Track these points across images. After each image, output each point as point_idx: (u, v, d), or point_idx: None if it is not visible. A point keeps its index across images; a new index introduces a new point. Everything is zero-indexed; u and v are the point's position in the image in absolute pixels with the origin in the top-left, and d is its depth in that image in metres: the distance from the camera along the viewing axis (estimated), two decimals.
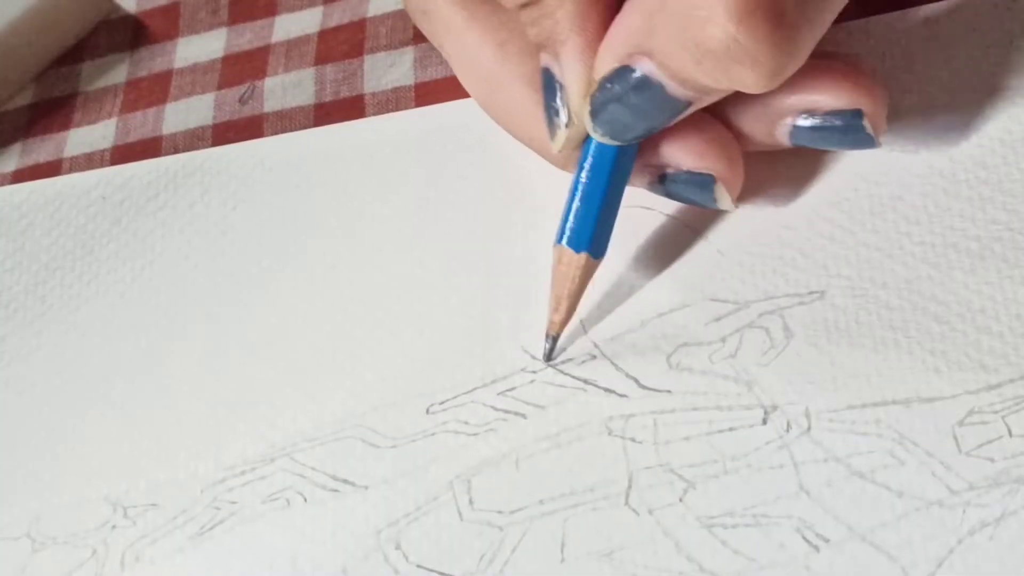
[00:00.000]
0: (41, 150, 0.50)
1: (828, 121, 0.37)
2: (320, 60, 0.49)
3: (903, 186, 0.39)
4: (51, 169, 0.50)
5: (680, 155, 0.38)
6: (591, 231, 0.38)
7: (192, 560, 0.39)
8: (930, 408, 0.36)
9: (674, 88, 0.36)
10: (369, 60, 0.48)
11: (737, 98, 0.37)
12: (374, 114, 0.47)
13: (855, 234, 0.39)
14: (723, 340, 0.39)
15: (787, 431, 0.37)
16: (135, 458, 0.41)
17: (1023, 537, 0.34)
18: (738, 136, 0.39)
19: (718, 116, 0.38)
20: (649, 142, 0.38)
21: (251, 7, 0.52)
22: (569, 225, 0.39)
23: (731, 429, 0.37)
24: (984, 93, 0.40)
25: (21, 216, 0.47)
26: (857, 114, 0.37)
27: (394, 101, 0.47)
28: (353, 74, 0.48)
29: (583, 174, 0.38)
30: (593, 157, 0.38)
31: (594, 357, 0.39)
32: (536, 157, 0.41)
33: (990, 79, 0.40)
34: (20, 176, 0.50)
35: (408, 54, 0.48)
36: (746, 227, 0.40)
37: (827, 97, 0.37)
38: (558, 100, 0.38)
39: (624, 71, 0.36)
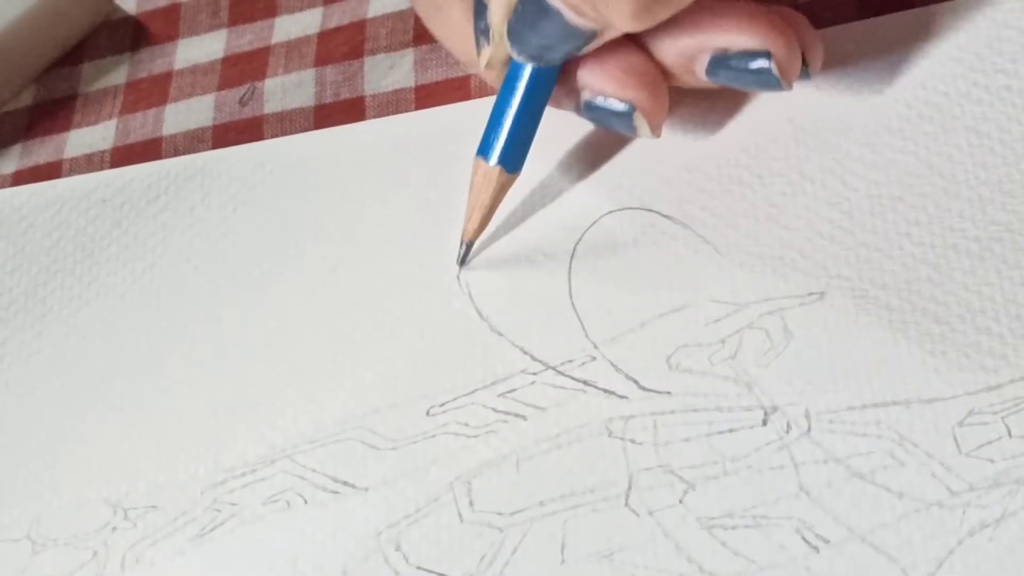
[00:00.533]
0: (41, 151, 0.50)
1: (739, 61, 0.39)
2: (320, 61, 0.49)
3: (903, 187, 0.40)
4: (51, 170, 0.49)
5: (599, 81, 0.40)
6: (506, 147, 0.40)
7: (192, 562, 0.39)
8: (930, 409, 0.36)
9: (572, 17, 0.37)
10: (369, 62, 0.48)
11: (660, 33, 0.39)
12: (374, 116, 0.47)
13: (855, 235, 0.39)
14: (723, 341, 0.39)
15: (787, 432, 0.37)
16: (135, 460, 0.41)
17: (1023, 538, 0.34)
18: (664, 72, 0.40)
19: (644, 48, 0.40)
20: (573, 66, 0.40)
21: (251, 8, 0.52)
22: (487, 139, 0.41)
23: (731, 430, 0.37)
24: (984, 93, 0.40)
25: (22, 218, 0.47)
26: (766, 55, 0.38)
27: (394, 103, 0.47)
28: (353, 76, 0.48)
29: (504, 93, 0.40)
30: (513, 77, 0.40)
31: (594, 359, 0.39)
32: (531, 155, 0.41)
33: (990, 78, 0.40)
34: (20, 177, 0.50)
35: (408, 56, 0.48)
36: (746, 228, 0.40)
37: (738, 37, 0.38)
38: (484, 21, 0.39)
39: None
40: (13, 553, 0.41)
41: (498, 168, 0.41)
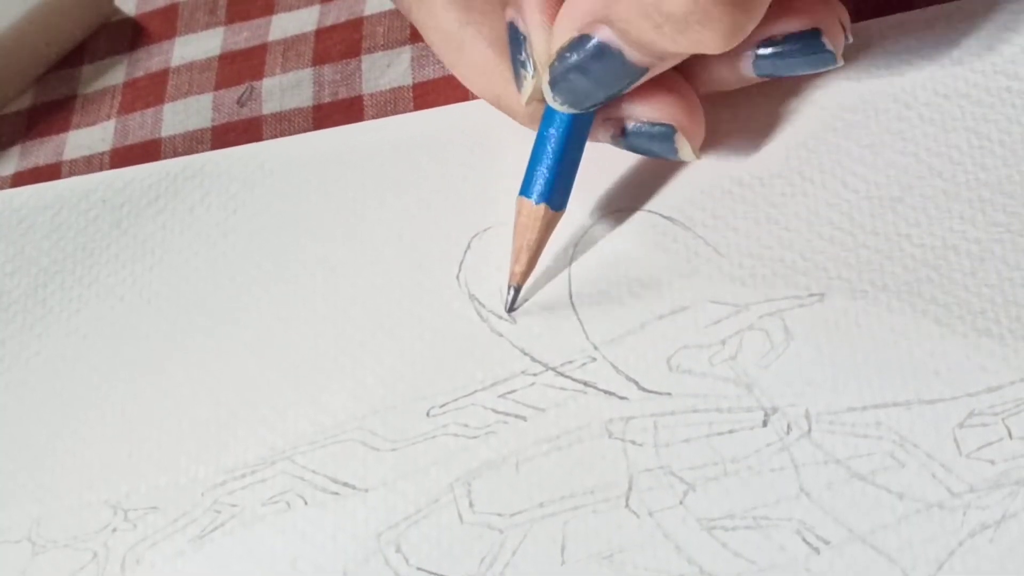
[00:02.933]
0: (40, 153, 0.50)
1: (788, 45, 0.39)
2: (318, 60, 0.49)
3: (903, 188, 0.40)
4: (50, 172, 0.49)
5: (639, 108, 0.39)
6: (550, 184, 0.40)
7: (192, 563, 0.39)
8: (930, 410, 0.36)
9: (632, 55, 0.37)
10: (367, 60, 0.48)
11: None
12: (373, 115, 0.47)
13: (855, 236, 0.39)
14: (723, 342, 0.39)
15: (787, 433, 0.37)
16: (136, 461, 0.41)
17: (1023, 540, 0.34)
18: (703, 80, 0.40)
19: (680, 63, 0.39)
20: None
21: (248, 7, 0.52)
22: (529, 178, 0.40)
23: (731, 431, 0.37)
24: (984, 94, 0.40)
25: (21, 220, 0.47)
26: (816, 33, 0.38)
27: (392, 102, 0.47)
28: (351, 75, 0.48)
29: (544, 130, 0.40)
30: (552, 113, 0.40)
31: (594, 359, 0.39)
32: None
33: (990, 79, 0.40)
34: (19, 179, 0.50)
35: (405, 53, 0.48)
36: (746, 229, 0.40)
37: (784, 22, 0.38)
38: (523, 52, 0.39)
39: (583, 40, 0.37)
40: (13, 555, 0.41)
41: (543, 207, 0.40)
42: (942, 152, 0.40)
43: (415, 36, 0.48)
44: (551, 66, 0.38)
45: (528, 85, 0.39)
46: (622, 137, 0.40)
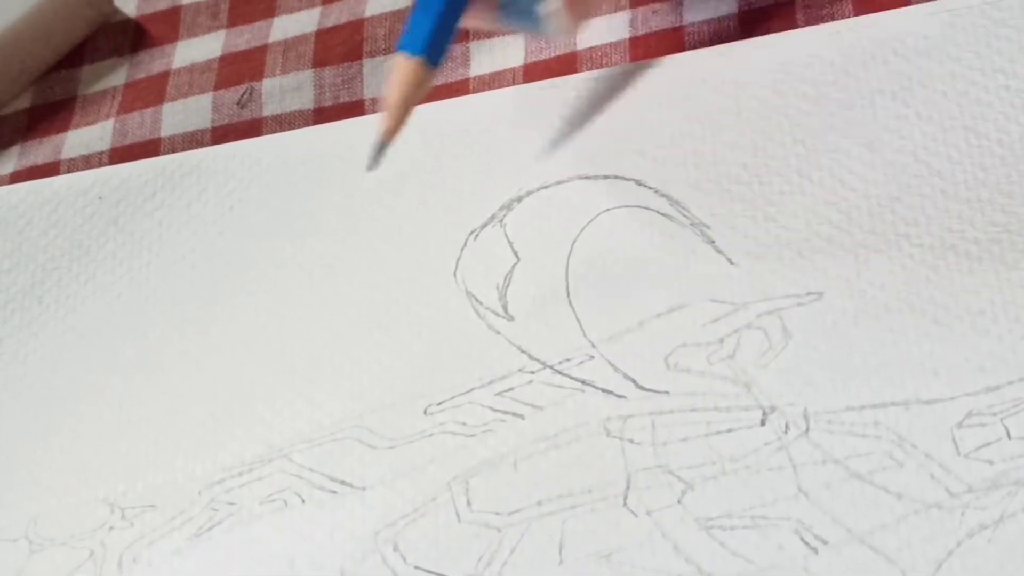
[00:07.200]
0: (39, 152, 0.50)
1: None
2: (318, 62, 0.49)
3: (901, 187, 0.40)
4: (49, 171, 0.49)
5: None
6: (423, 38, 0.41)
7: (190, 561, 0.39)
8: (929, 410, 0.36)
9: None
10: (368, 64, 0.48)
11: None
12: None
13: (853, 235, 0.39)
14: (721, 341, 0.39)
15: (785, 432, 0.37)
16: (133, 459, 0.41)
17: (1022, 539, 0.34)
18: None
19: None
20: None
21: (251, 9, 0.52)
22: (408, 34, 0.41)
23: (729, 430, 0.37)
24: (982, 92, 0.40)
25: (18, 217, 0.47)
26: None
27: None
28: (353, 78, 0.48)
29: None
30: None
31: (592, 357, 0.39)
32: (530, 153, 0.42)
33: (988, 78, 0.40)
34: (18, 178, 0.50)
35: None
36: (744, 228, 0.40)
37: None
38: None
39: None
40: (11, 553, 0.41)
41: (415, 60, 0.40)
42: (940, 151, 0.40)
43: None
44: None
45: None
46: (501, 11, 0.41)
